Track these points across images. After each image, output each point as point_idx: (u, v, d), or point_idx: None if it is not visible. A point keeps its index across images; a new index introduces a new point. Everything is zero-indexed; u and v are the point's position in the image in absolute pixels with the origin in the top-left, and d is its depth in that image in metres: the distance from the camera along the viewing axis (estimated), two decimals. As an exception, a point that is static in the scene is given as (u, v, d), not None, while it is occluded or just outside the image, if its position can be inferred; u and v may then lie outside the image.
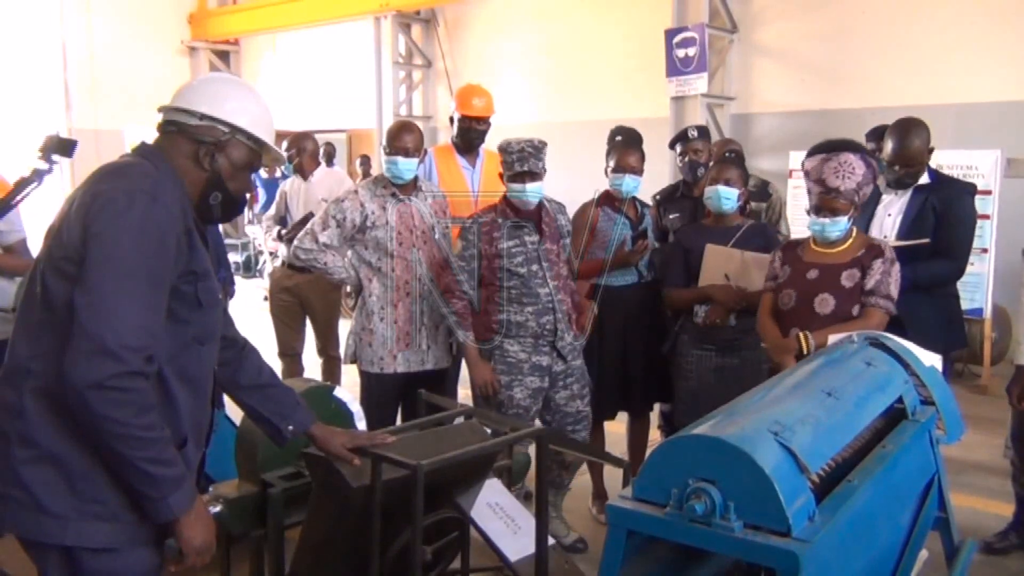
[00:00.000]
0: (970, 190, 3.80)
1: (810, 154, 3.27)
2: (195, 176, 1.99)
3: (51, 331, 1.81)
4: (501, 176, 3.66)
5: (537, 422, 3.71)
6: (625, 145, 4.13)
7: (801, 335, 3.11)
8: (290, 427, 2.25)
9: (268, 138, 2.09)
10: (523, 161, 3.52)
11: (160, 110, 2.04)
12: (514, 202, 3.62)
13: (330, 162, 10.98)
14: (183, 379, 1.93)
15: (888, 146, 3.70)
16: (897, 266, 3.23)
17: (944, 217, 3.59)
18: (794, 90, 8.75)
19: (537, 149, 3.55)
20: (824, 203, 3.19)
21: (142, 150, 1.99)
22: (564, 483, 3.86)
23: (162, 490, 1.80)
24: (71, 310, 1.75)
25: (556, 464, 3.78)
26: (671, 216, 4.29)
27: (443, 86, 11.62)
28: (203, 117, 1.98)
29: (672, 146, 4.54)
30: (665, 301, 3.99)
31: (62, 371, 1.72)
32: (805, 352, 3.02)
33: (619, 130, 4.40)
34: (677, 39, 8.91)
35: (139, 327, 1.75)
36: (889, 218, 3.72)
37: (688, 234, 3.97)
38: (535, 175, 3.55)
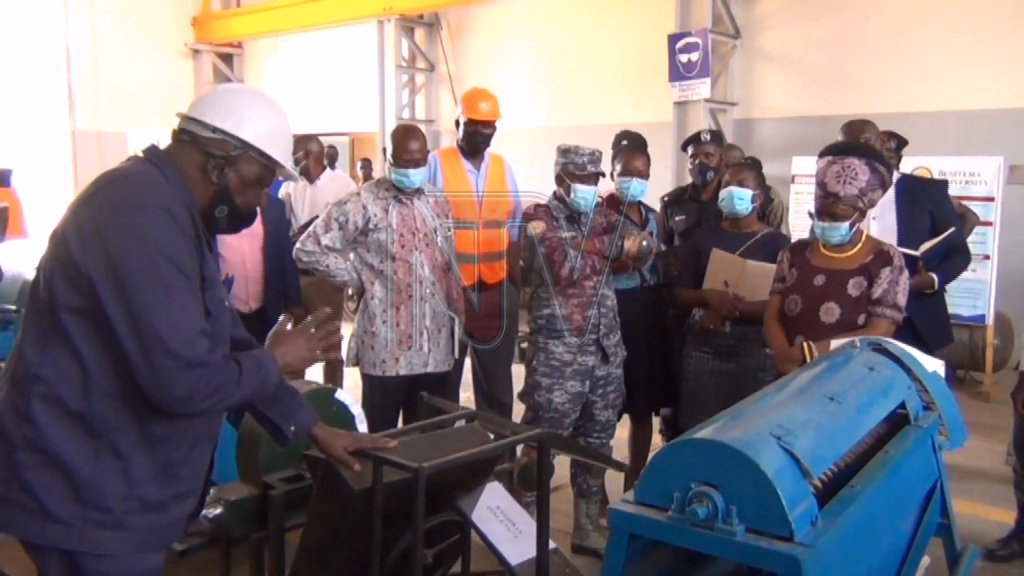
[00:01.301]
0: (946, 186, 4.16)
1: (821, 155, 3.27)
2: (202, 187, 1.98)
3: (58, 338, 1.82)
4: (561, 179, 3.65)
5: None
6: (632, 149, 4.13)
7: (805, 345, 3.10)
8: (292, 427, 2.24)
9: (283, 156, 2.06)
10: (596, 163, 3.63)
11: (178, 115, 2.03)
12: (578, 203, 3.64)
13: (332, 165, 11.00)
14: None
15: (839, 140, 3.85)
16: (906, 274, 3.21)
17: (945, 217, 3.83)
18: (797, 96, 8.75)
19: (601, 154, 3.70)
20: (824, 207, 3.18)
21: (151, 154, 1.97)
22: (592, 490, 3.83)
23: (269, 383, 2.00)
24: (80, 317, 1.79)
25: (581, 469, 3.78)
26: (677, 218, 4.31)
27: (446, 90, 11.63)
28: (215, 130, 1.96)
29: (684, 148, 4.55)
30: (669, 298, 4.04)
31: (147, 395, 1.79)
32: (809, 363, 3.01)
33: (624, 134, 4.41)
34: (680, 44, 8.91)
35: (199, 332, 1.82)
36: (875, 221, 3.77)
37: (704, 237, 3.98)
38: (599, 177, 3.66)
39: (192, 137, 1.97)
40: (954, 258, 3.88)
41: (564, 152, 3.67)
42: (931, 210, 3.80)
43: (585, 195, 3.62)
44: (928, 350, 3.02)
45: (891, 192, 3.76)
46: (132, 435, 1.85)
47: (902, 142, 5.46)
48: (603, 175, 3.67)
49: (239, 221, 2.07)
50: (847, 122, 3.97)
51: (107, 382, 1.82)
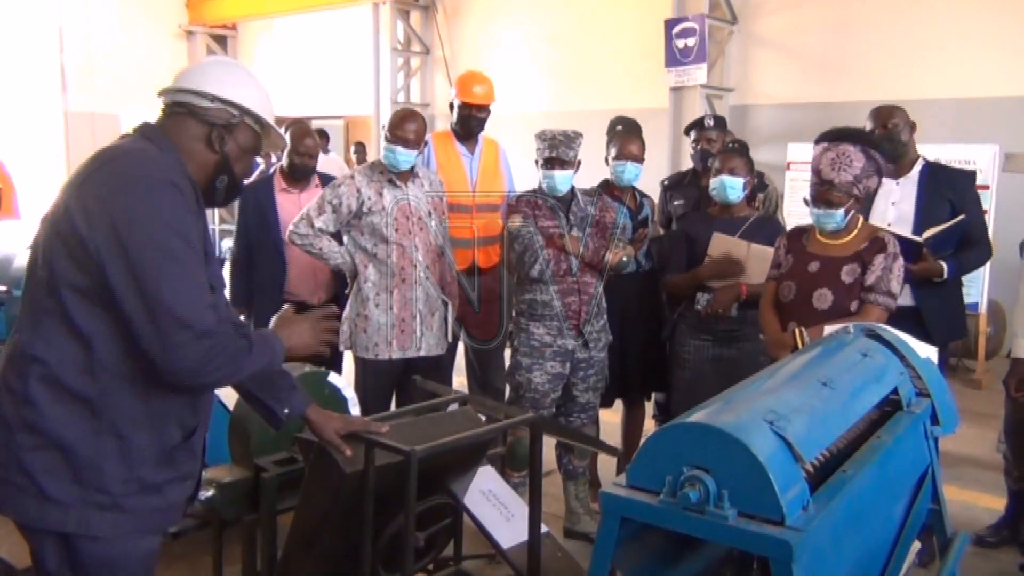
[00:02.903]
0: (974, 178, 3.96)
1: (816, 141, 3.26)
2: (205, 159, 1.99)
3: (57, 319, 1.81)
4: (537, 163, 3.69)
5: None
6: (626, 134, 4.13)
7: (797, 331, 3.10)
8: (285, 410, 2.24)
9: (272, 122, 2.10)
10: (553, 148, 3.61)
11: (164, 92, 2.02)
12: (544, 187, 3.68)
13: (325, 149, 10.94)
14: None
15: (868, 125, 3.78)
16: (900, 261, 3.20)
17: (964, 207, 3.66)
18: (793, 82, 8.73)
19: (569, 139, 3.65)
20: (819, 194, 3.17)
21: (145, 131, 1.97)
22: (579, 471, 3.85)
23: (276, 360, 2.04)
24: (83, 296, 1.79)
25: (565, 451, 3.79)
26: (676, 203, 4.30)
27: (441, 73, 11.58)
28: (215, 99, 1.97)
29: (687, 132, 4.54)
30: (664, 288, 4.00)
31: (159, 369, 1.79)
32: (800, 348, 3.01)
33: (619, 120, 4.40)
34: (677, 29, 8.88)
35: (208, 305, 1.84)
36: (893, 207, 3.72)
37: (693, 223, 3.95)
38: (563, 163, 3.62)
39: (189, 109, 1.97)
40: (971, 250, 3.68)
41: (535, 137, 3.71)
42: (952, 199, 3.66)
43: (547, 179, 3.65)
44: (935, 343, 2.93)
45: (914, 178, 3.73)
46: (133, 415, 1.85)
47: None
48: (566, 160, 3.63)
49: (235, 192, 2.10)
50: (876, 107, 3.85)
51: (108, 361, 1.82)
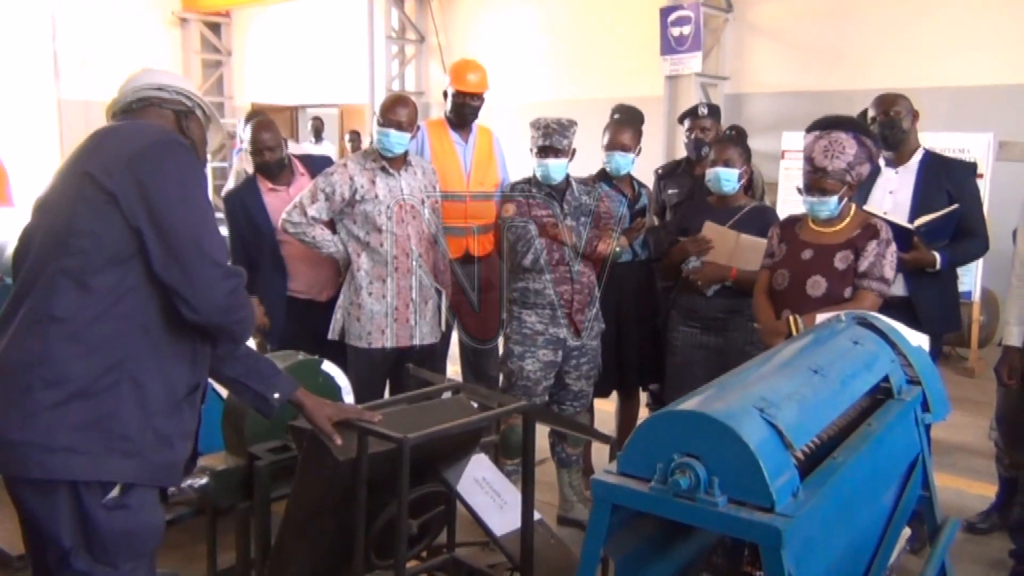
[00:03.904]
0: (974, 169, 3.92)
1: (808, 129, 3.26)
2: None
3: (76, 277, 1.87)
4: (532, 151, 3.70)
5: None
6: (619, 123, 4.13)
7: (792, 318, 3.12)
8: (276, 394, 2.27)
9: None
10: (547, 136, 3.62)
11: (114, 103, 2.14)
12: (538, 176, 3.69)
13: (319, 137, 10.89)
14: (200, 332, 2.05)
15: (870, 113, 3.76)
16: (893, 247, 3.21)
17: (961, 198, 3.63)
18: (788, 71, 8.72)
19: (563, 127, 3.65)
20: (812, 182, 3.18)
21: (122, 118, 2.10)
22: (572, 459, 3.86)
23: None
24: (104, 248, 1.88)
25: (558, 439, 3.81)
26: (669, 191, 4.30)
27: (436, 62, 11.55)
28: (171, 91, 2.11)
29: (681, 121, 4.53)
30: (659, 272, 4.04)
31: (191, 308, 1.91)
32: (794, 336, 3.02)
33: (618, 108, 4.40)
34: (672, 17, 8.85)
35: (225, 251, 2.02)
36: (891, 195, 3.71)
37: (689, 212, 3.97)
38: (557, 151, 3.63)
39: (151, 102, 2.11)
40: (967, 241, 3.66)
41: (530, 126, 3.72)
42: (950, 190, 3.63)
43: (541, 168, 3.66)
44: (927, 333, 2.92)
45: (914, 167, 3.71)
46: (148, 364, 1.93)
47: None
48: (560, 148, 3.63)
49: None
50: (880, 94, 3.81)
51: (128, 311, 1.90)
